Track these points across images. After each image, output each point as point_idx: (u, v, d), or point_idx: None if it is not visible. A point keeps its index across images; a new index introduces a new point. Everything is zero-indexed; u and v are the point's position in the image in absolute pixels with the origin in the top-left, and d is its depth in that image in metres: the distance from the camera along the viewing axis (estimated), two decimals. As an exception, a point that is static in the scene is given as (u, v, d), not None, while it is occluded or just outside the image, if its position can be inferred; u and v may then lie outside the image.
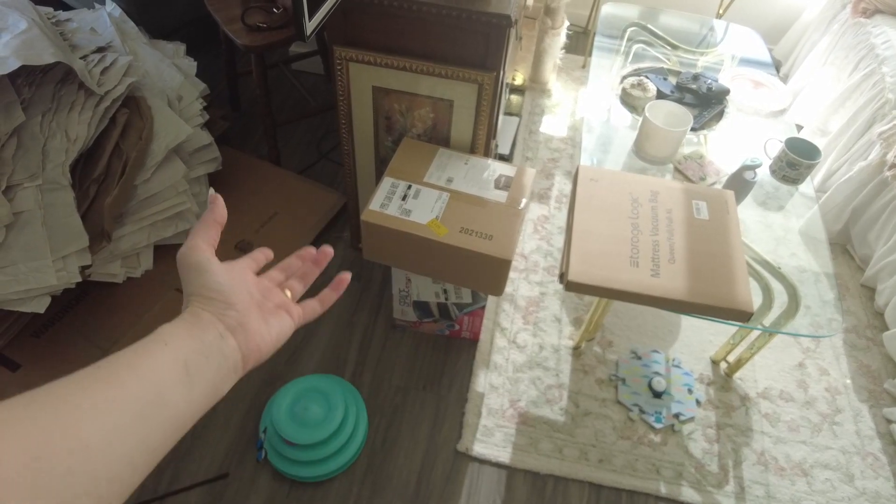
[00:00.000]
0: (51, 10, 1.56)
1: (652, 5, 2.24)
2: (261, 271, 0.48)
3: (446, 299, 1.45)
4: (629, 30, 2.02)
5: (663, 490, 1.35)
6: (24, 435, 0.27)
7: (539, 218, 1.92)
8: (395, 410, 1.45)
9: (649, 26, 2.04)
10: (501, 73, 1.18)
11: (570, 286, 1.11)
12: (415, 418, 1.44)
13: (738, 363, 1.52)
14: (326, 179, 1.96)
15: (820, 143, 1.89)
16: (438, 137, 1.32)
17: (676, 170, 1.52)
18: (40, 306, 1.26)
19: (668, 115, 1.46)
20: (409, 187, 1.20)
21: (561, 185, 2.04)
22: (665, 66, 1.84)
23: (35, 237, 1.25)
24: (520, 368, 1.54)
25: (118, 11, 1.67)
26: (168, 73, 1.61)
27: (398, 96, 1.26)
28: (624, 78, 1.73)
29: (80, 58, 1.41)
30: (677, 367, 1.57)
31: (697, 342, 1.63)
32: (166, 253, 1.51)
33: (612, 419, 1.46)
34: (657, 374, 1.54)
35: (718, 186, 1.47)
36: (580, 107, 2.37)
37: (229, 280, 0.41)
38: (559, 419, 1.45)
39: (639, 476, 1.37)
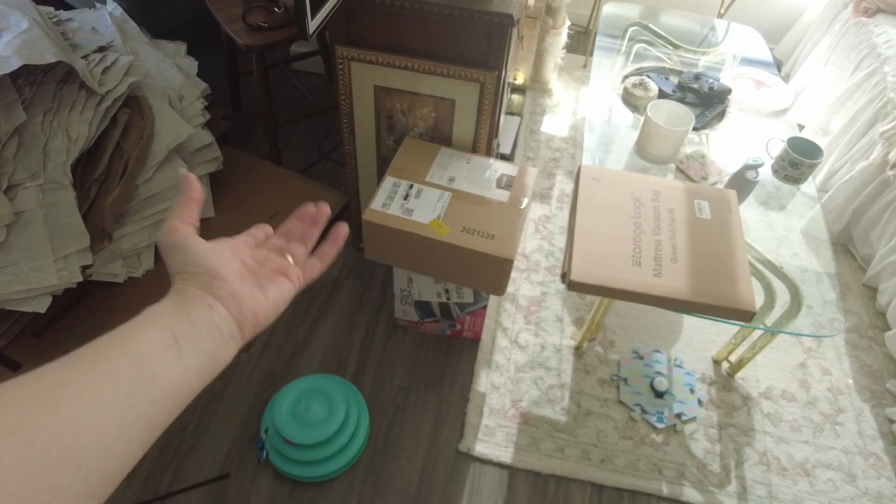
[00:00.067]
0: (52, 9, 1.56)
1: (653, 5, 2.24)
2: None
3: (448, 299, 1.45)
4: (630, 29, 2.02)
5: (665, 490, 1.35)
6: (14, 424, 0.27)
7: (540, 217, 1.92)
8: (397, 410, 1.45)
9: (650, 26, 2.03)
10: (503, 72, 1.18)
11: (573, 286, 1.10)
12: (416, 418, 1.43)
13: (740, 363, 1.52)
14: (328, 179, 1.96)
15: (821, 142, 1.88)
16: (440, 137, 1.32)
17: (678, 169, 1.51)
18: (41, 306, 1.26)
19: (670, 114, 1.46)
20: (411, 187, 1.20)
21: (562, 184, 2.04)
22: (666, 66, 1.83)
23: (36, 237, 1.25)
24: (521, 368, 1.54)
25: (119, 11, 1.67)
26: (169, 73, 1.61)
27: (400, 95, 1.26)
28: (625, 77, 1.73)
29: (82, 57, 1.41)
30: (679, 366, 1.57)
31: (699, 342, 1.63)
32: (167, 253, 1.50)
33: (613, 419, 1.46)
34: (659, 373, 1.54)
35: (720, 186, 1.46)
36: (581, 106, 2.37)
37: (212, 253, 0.41)
38: (561, 419, 1.45)
39: (641, 476, 1.37)
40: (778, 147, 1.50)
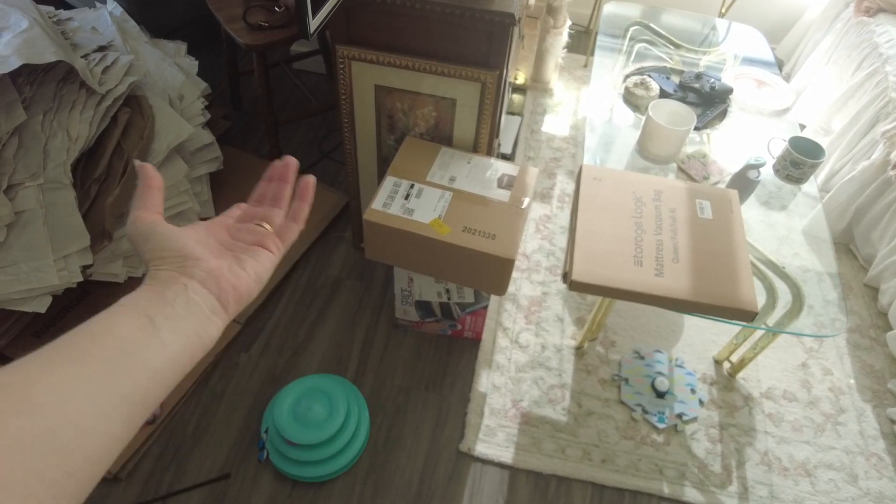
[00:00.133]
0: (52, 8, 1.56)
1: (654, 4, 2.24)
2: None
3: (449, 299, 1.45)
4: (631, 29, 2.02)
5: (666, 490, 1.35)
6: None
7: (541, 217, 1.92)
8: (398, 410, 1.44)
9: (651, 25, 2.03)
10: (504, 71, 1.18)
11: (574, 286, 1.10)
12: (417, 418, 1.43)
13: (742, 363, 1.51)
14: (328, 179, 1.96)
15: (823, 142, 1.87)
16: (441, 136, 1.32)
17: (680, 169, 1.51)
18: (41, 306, 1.25)
19: (672, 114, 1.46)
20: (412, 186, 1.20)
21: (563, 184, 2.04)
22: (668, 66, 1.83)
23: (36, 237, 1.25)
24: (522, 368, 1.54)
25: (119, 10, 1.66)
26: (169, 73, 1.60)
27: (401, 95, 1.26)
28: (627, 77, 1.73)
29: (82, 57, 1.41)
30: (680, 366, 1.57)
31: (700, 342, 1.63)
32: (168, 252, 1.50)
33: (614, 419, 1.46)
34: (660, 374, 1.54)
35: (722, 186, 1.46)
36: (582, 106, 2.37)
37: (181, 235, 0.41)
38: (562, 419, 1.45)
39: (642, 476, 1.37)
40: (779, 147, 1.49)
